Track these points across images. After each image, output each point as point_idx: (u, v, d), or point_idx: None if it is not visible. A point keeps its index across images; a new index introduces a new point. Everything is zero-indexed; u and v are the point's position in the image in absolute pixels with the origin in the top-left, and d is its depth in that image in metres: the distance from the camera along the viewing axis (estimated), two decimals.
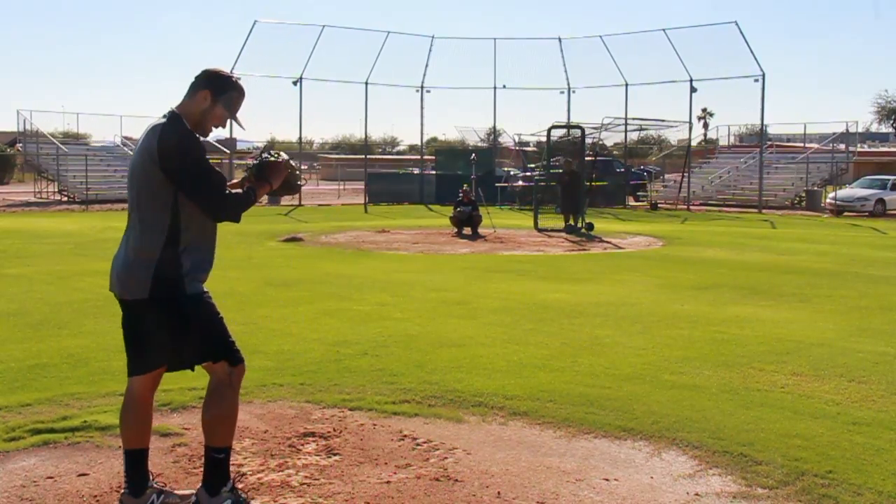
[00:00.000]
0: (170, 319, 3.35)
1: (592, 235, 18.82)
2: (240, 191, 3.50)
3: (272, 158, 3.64)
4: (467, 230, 18.63)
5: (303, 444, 4.43)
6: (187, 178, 3.27)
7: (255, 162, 3.67)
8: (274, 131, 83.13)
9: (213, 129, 3.49)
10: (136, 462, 3.51)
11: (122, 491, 3.56)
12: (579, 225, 19.91)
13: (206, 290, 3.47)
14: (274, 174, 3.60)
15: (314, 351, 6.55)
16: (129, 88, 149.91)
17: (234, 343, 3.52)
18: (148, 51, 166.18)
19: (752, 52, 31.21)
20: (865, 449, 4.43)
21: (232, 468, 4.07)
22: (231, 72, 3.58)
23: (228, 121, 3.50)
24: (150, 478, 3.57)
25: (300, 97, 32.54)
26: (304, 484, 3.91)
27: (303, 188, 3.76)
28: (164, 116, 3.37)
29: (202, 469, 4.06)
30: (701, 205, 33.41)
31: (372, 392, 5.43)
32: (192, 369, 3.55)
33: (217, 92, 3.41)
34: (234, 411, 3.54)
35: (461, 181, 23.73)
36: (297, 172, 3.74)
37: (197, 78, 3.44)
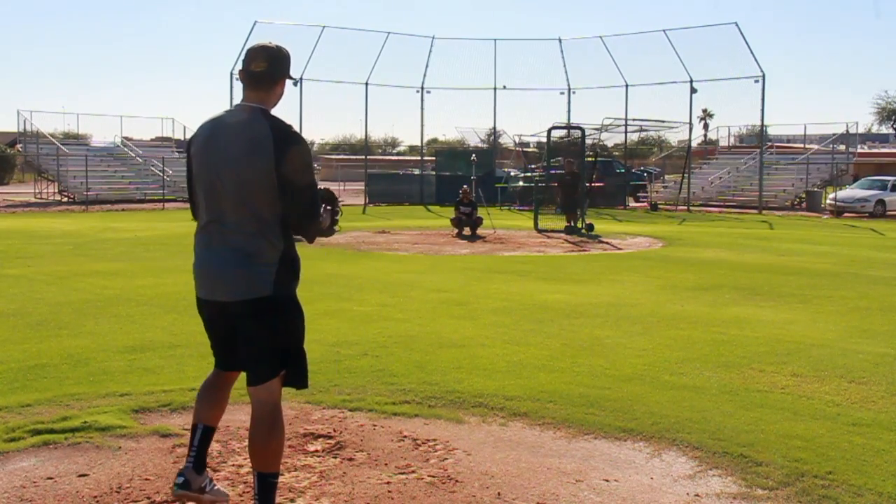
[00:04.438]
0: (281, 318, 3.30)
1: (593, 236, 18.83)
2: None
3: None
4: (467, 231, 18.64)
5: (303, 445, 4.43)
6: (302, 178, 3.21)
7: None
8: None
9: None
10: (206, 440, 3.54)
11: (185, 465, 3.51)
12: (579, 226, 19.92)
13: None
14: (327, 219, 3.52)
15: (314, 351, 6.50)
16: (129, 88, 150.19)
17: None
18: (148, 51, 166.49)
19: (752, 52, 31.26)
20: (865, 450, 4.43)
21: (232, 468, 4.08)
22: (270, 43, 3.42)
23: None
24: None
25: (300, 97, 32.59)
26: (303, 485, 3.91)
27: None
28: (251, 111, 3.27)
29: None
30: (701, 206, 33.41)
31: (372, 393, 5.42)
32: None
33: (289, 73, 3.41)
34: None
35: (461, 182, 23.73)
36: (337, 218, 3.65)
37: (270, 69, 3.33)
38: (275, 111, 3.39)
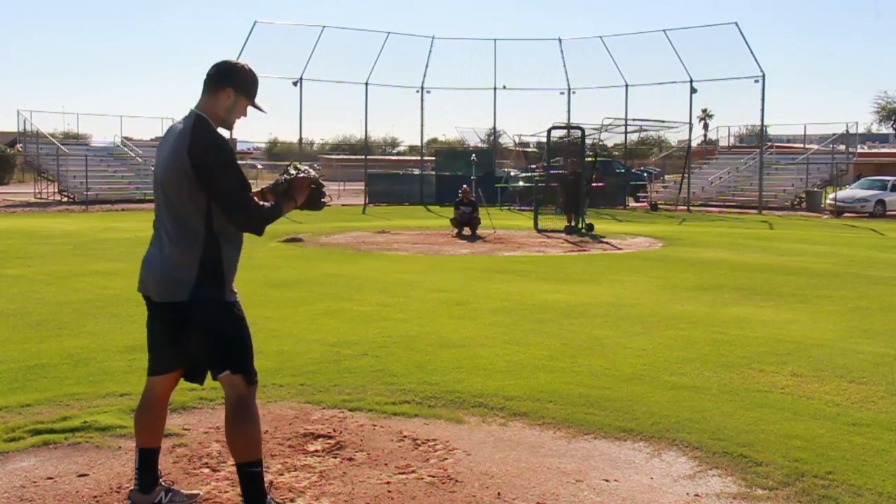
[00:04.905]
0: (202, 323, 3.35)
1: (593, 236, 18.83)
2: (267, 203, 3.48)
3: (299, 174, 3.59)
4: (467, 231, 18.63)
5: (303, 445, 4.43)
6: (218, 181, 3.26)
7: (284, 177, 3.60)
8: (274, 132, 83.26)
9: (236, 120, 3.53)
10: (148, 460, 3.58)
11: (132, 488, 3.62)
12: (579, 226, 19.92)
13: (237, 299, 3.47)
14: (299, 191, 3.58)
15: (314, 351, 6.55)
16: (129, 88, 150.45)
17: (253, 360, 3.48)
18: (148, 51, 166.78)
19: (752, 52, 31.24)
20: (865, 450, 4.43)
21: (232, 468, 4.07)
22: (238, 60, 3.56)
23: (248, 108, 3.52)
24: (159, 476, 3.64)
25: (300, 97, 32.54)
26: (303, 485, 3.90)
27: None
28: (188, 118, 3.37)
29: (202, 469, 4.06)
30: (701, 206, 33.41)
31: (372, 393, 5.42)
32: (202, 383, 3.60)
33: (239, 86, 3.42)
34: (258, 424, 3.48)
35: (461, 182, 23.73)
36: (324, 190, 3.68)
37: (214, 76, 3.40)
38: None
